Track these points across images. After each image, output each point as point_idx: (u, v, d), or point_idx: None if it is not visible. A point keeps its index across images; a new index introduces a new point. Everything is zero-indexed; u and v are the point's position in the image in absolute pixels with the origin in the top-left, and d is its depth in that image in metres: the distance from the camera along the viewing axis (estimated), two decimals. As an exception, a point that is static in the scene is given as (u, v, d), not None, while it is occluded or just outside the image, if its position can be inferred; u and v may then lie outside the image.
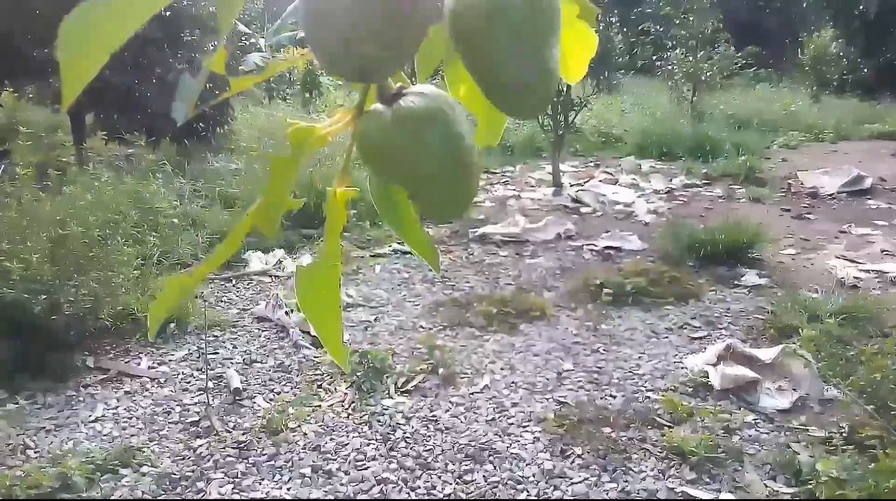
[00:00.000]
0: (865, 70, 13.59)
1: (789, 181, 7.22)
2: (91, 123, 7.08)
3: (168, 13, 6.71)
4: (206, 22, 7.58)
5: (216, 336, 3.73)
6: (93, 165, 4.82)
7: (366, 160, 0.47)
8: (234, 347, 3.64)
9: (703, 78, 10.26)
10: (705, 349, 3.50)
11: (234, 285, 4.48)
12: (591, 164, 8.34)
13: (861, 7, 13.68)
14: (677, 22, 10.38)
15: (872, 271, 4.60)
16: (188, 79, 0.38)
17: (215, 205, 5.47)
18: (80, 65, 0.36)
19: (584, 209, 6.20)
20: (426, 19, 0.40)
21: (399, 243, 5.13)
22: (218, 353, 3.56)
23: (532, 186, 7.09)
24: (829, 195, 6.71)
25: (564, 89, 6.74)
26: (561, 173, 7.05)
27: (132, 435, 2.85)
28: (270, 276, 4.62)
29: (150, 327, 0.49)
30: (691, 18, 10.15)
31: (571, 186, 6.96)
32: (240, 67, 8.17)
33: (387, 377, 3.27)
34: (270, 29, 13.25)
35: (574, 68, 0.54)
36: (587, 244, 5.18)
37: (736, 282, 4.43)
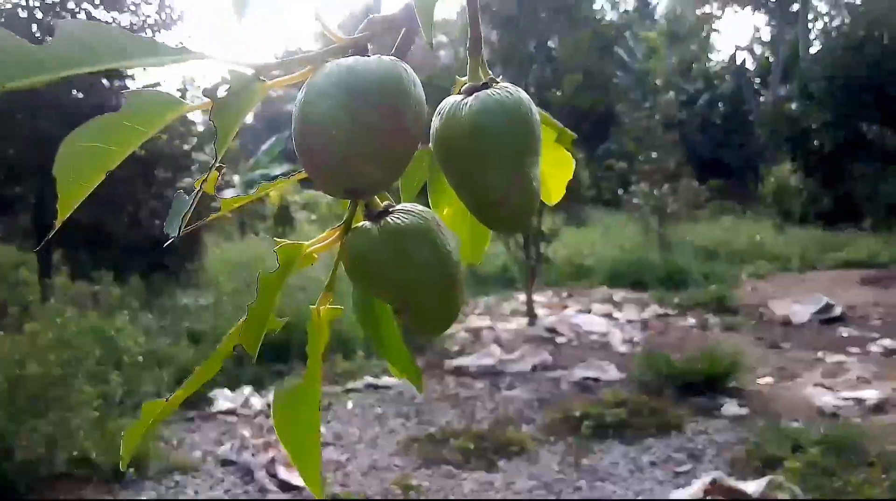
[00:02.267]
0: (826, 201, 14.22)
1: (761, 310, 7.33)
2: (58, 260, 7.07)
3: (142, 150, 6.91)
4: (180, 160, 7.77)
5: (177, 481, 3.54)
6: (56, 301, 4.75)
7: (353, 276, 0.47)
8: (196, 493, 3.45)
9: (668, 210, 10.64)
10: (691, 483, 3.40)
11: (198, 426, 4.31)
12: (564, 294, 8.43)
13: (816, 142, 14.53)
14: (641, 158, 10.90)
15: (850, 398, 4.59)
16: (183, 196, 0.39)
17: (182, 342, 5.37)
18: (75, 183, 0.37)
19: (559, 339, 6.20)
20: (416, 138, 0.41)
21: (372, 377, 5.04)
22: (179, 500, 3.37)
23: (506, 317, 7.11)
24: (801, 323, 6.80)
25: (536, 221, 6.92)
26: (534, 304, 7.10)
27: None
28: (237, 415, 4.47)
29: (122, 455, 0.46)
30: (654, 155, 10.68)
31: (546, 316, 7.00)
32: (212, 204, 8.30)
33: (361, 519, 3.10)
34: (245, 166, 13.66)
35: (554, 189, 0.56)
36: (564, 375, 5.14)
37: (716, 412, 4.39)
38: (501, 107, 0.44)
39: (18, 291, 4.53)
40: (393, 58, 0.41)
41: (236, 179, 12.86)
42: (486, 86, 0.46)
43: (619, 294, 8.27)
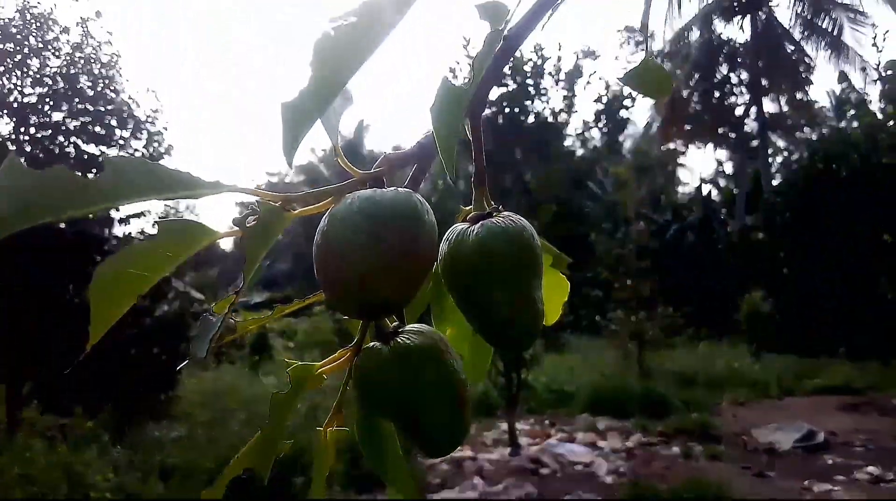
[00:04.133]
0: (799, 329, 14.39)
1: (744, 438, 7.23)
2: (27, 392, 6.83)
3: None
4: (157, 288, 7.74)
5: None
6: (24, 435, 4.57)
7: (362, 395, 0.49)
8: None
9: (646, 337, 10.70)
10: None
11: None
12: (546, 422, 8.27)
13: (785, 270, 14.90)
14: (616, 286, 11.08)
15: (842, 528, 4.47)
16: (210, 318, 0.41)
17: (152, 476, 5.14)
18: (108, 307, 0.39)
19: (543, 470, 6.02)
20: (430, 262, 0.44)
21: (351, 513, 4.82)
22: None
23: (488, 446, 6.92)
24: (785, 451, 6.71)
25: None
26: (517, 432, 6.95)
27: None
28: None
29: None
30: (629, 282, 10.87)
31: (529, 445, 6.83)
32: (190, 332, 8.19)
33: None
34: (223, 294, 13.61)
35: (551, 311, 0.59)
36: (549, 508, 4.96)
37: (707, 545, 4.23)
38: (506, 234, 0.47)
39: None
40: (408, 189, 0.45)
41: (213, 306, 12.77)
42: (490, 215, 0.49)
43: (601, 422, 8.13)
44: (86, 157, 6.71)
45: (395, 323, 0.50)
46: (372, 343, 0.49)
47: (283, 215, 0.42)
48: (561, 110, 12.45)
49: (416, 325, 0.50)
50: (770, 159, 20.02)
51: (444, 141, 0.35)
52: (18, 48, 6.69)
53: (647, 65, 0.57)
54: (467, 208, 0.52)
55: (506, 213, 0.49)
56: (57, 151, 6.58)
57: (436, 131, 0.36)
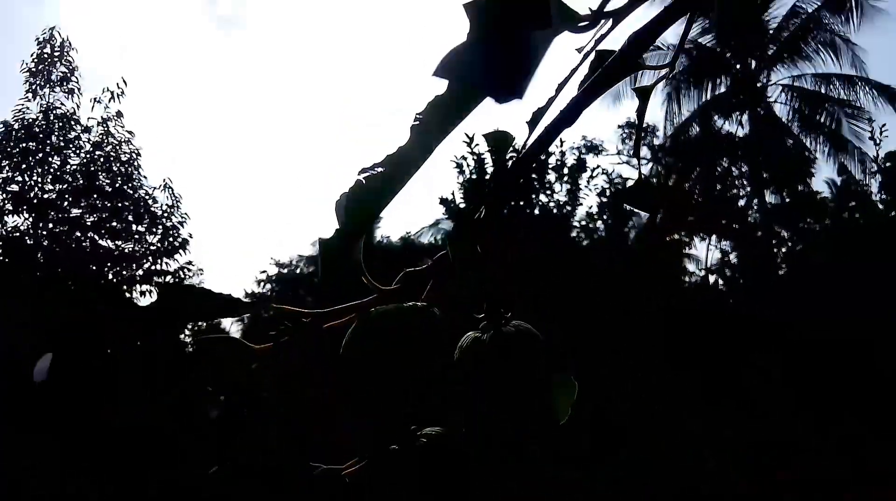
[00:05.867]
0: (820, 413, 13.99)
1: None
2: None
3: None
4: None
5: None
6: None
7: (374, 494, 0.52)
8: None
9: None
10: None
11: None
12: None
13: (802, 361, 14.66)
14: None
15: None
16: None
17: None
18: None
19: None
20: (442, 371, 0.48)
21: None
22: None
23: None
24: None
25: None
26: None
27: None
28: None
29: None
30: (639, 375, 10.76)
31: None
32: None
33: None
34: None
35: (560, 411, 0.62)
36: None
37: None
38: (515, 340, 0.51)
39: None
40: (424, 303, 0.49)
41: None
42: (499, 323, 0.53)
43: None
44: (101, 251, 6.84)
45: (412, 427, 0.53)
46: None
47: (312, 330, 0.46)
48: (566, 203, 12.66)
49: (430, 428, 0.54)
50: (775, 250, 20.11)
51: (460, 263, 0.40)
52: (40, 146, 6.95)
53: (641, 184, 0.64)
54: (479, 316, 0.56)
55: (515, 322, 0.54)
56: (73, 245, 6.72)
57: (451, 256, 0.41)
